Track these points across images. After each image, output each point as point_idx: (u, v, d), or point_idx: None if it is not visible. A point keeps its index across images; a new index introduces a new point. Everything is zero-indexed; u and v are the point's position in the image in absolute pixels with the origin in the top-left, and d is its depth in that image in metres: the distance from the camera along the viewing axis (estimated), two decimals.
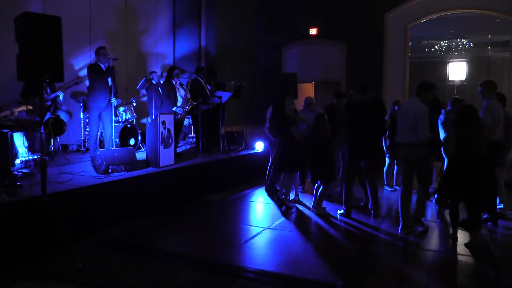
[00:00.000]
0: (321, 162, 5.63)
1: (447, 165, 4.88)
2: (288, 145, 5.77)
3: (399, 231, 4.89)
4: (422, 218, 5.04)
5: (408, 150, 4.82)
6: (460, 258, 4.29)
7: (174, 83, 7.33)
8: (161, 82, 7.64)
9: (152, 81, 7.98)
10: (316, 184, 5.75)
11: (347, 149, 5.66)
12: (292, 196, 6.36)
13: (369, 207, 5.65)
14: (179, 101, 7.60)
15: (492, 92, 5.16)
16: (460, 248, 4.65)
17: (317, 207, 5.72)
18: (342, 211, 5.63)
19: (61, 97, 6.58)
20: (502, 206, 5.63)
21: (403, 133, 4.89)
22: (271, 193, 6.70)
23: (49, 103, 6.45)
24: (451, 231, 4.74)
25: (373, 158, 5.58)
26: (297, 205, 6.19)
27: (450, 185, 4.64)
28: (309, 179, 5.93)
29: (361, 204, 5.97)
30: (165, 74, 8.37)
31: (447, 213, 5.15)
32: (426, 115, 4.80)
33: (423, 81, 5.03)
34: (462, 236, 4.79)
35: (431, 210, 5.93)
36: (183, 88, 7.88)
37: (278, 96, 6.13)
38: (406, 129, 4.81)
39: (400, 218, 4.93)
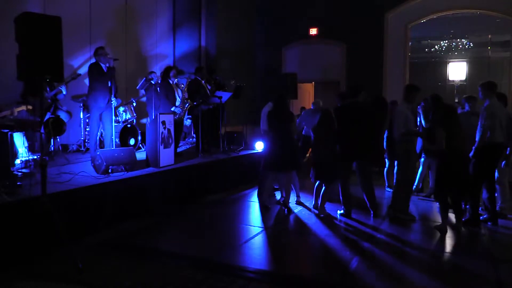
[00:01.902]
0: (324, 160, 5.62)
1: (441, 162, 5.03)
2: (289, 144, 5.74)
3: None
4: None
5: None
6: (460, 258, 4.30)
7: (171, 82, 7.34)
8: (153, 83, 7.63)
9: (151, 81, 7.98)
10: (317, 183, 5.75)
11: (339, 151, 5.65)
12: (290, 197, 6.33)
13: (369, 207, 5.65)
14: (178, 101, 7.60)
15: (491, 92, 5.17)
16: (460, 248, 4.67)
17: (321, 209, 5.65)
18: (342, 211, 5.62)
19: (64, 91, 6.56)
20: (503, 206, 5.63)
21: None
22: (264, 196, 6.32)
23: (49, 100, 6.44)
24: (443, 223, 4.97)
25: (364, 159, 5.56)
26: (296, 205, 6.19)
27: (445, 180, 4.91)
28: (311, 176, 5.89)
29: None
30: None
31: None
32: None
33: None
34: (456, 233, 4.86)
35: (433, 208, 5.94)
36: (181, 88, 7.89)
37: (279, 94, 6.05)
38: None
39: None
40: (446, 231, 4.89)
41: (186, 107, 7.54)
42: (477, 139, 5.09)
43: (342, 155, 5.53)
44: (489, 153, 5.09)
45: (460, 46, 14.97)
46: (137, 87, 8.26)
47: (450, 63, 14.16)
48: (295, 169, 6.01)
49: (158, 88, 7.32)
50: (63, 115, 6.63)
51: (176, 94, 7.52)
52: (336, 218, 5.52)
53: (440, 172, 4.98)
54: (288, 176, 5.90)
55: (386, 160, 7.01)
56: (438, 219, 5.39)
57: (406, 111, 5.42)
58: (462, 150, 4.89)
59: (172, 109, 7.17)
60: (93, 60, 6.35)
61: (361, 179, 5.61)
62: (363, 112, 5.50)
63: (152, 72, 8.25)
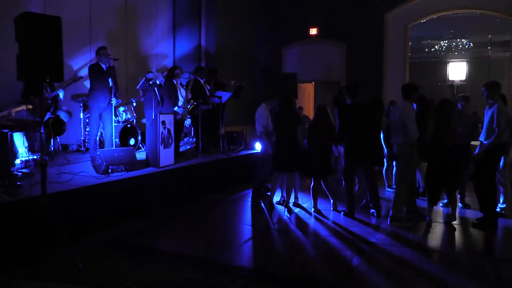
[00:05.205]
0: (323, 154, 5.63)
1: (429, 160, 5.13)
2: (293, 145, 5.72)
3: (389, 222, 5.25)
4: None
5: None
6: (460, 258, 4.29)
7: (175, 82, 7.33)
8: (157, 82, 7.63)
9: (151, 81, 7.98)
10: (312, 184, 5.76)
11: (344, 151, 5.67)
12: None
13: (370, 207, 5.64)
14: (180, 101, 7.60)
15: (496, 93, 5.14)
16: (460, 247, 4.66)
17: (334, 206, 5.83)
18: (345, 210, 5.62)
19: (61, 95, 6.56)
20: (504, 206, 5.63)
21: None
22: (263, 196, 6.35)
23: (49, 101, 6.43)
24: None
25: (369, 159, 5.57)
26: (294, 206, 6.19)
27: (435, 178, 5.02)
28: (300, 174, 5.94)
29: (362, 203, 5.99)
30: (165, 73, 8.38)
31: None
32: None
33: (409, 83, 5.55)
34: (457, 234, 4.84)
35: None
36: (183, 88, 7.89)
37: (284, 95, 6.01)
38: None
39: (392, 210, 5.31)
40: (431, 225, 5.12)
41: (189, 108, 7.53)
42: (489, 139, 4.98)
43: (348, 155, 5.54)
44: (498, 152, 5.07)
45: (460, 46, 14.98)
46: (137, 87, 8.27)
47: (450, 63, 14.18)
48: (298, 170, 5.99)
49: (155, 88, 7.32)
50: (63, 115, 6.62)
51: (179, 94, 7.53)
52: (337, 218, 5.52)
53: (427, 167, 5.09)
54: (290, 177, 5.90)
55: (385, 160, 7.00)
56: (438, 219, 5.40)
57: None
58: (449, 145, 4.93)
59: (175, 109, 7.17)
60: (93, 61, 6.35)
61: (367, 179, 5.62)
62: (367, 112, 5.50)
63: (150, 72, 8.25)
